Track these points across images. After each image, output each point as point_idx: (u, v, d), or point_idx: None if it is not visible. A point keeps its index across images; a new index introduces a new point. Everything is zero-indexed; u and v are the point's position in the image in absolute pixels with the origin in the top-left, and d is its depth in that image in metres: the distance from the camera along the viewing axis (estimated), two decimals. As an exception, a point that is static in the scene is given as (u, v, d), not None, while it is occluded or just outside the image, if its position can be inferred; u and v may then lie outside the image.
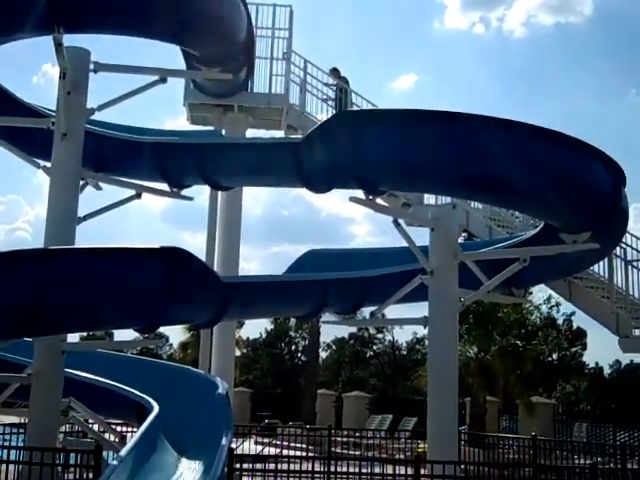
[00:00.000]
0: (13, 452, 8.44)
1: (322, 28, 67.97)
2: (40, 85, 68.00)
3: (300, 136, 13.76)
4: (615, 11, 68.88)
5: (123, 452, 6.10)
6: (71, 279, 6.88)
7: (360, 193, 9.19)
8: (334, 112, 15.57)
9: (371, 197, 9.31)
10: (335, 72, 16.84)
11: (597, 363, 49.13)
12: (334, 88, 16.48)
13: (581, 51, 71.54)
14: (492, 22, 73.45)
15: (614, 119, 67.66)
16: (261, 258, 67.04)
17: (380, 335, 51.24)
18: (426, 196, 16.35)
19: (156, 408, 7.81)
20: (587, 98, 69.57)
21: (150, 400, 8.22)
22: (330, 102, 16.39)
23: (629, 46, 68.06)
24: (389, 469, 10.86)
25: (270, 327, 52.55)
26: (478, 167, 8.18)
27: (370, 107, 15.96)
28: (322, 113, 16.36)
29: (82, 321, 7.43)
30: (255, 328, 57.01)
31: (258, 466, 10.44)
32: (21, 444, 10.26)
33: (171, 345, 53.80)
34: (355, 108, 15.87)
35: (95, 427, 10.27)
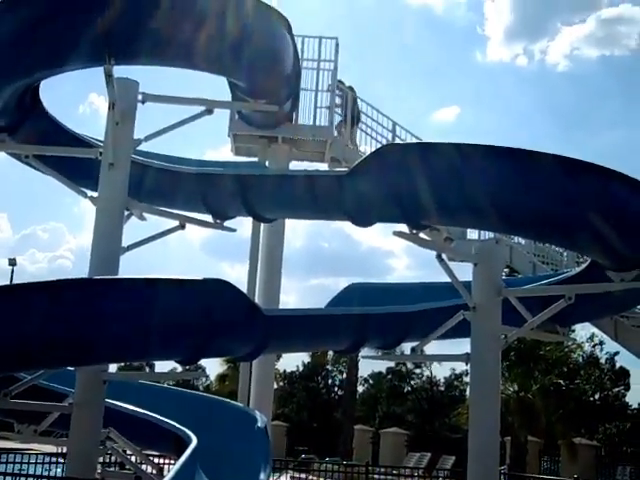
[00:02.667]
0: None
1: (366, 60, 68.61)
2: (85, 115, 69.49)
3: (345, 169, 13.82)
4: (661, 45, 68.45)
5: (162, 485, 6.04)
6: (118, 309, 6.88)
7: (404, 227, 9.13)
8: (343, 122, 15.59)
9: (415, 231, 9.22)
10: (340, 83, 16.83)
11: (640, 404, 48.00)
12: (342, 96, 16.45)
13: (626, 85, 71.06)
14: (535, 54, 73.53)
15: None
16: (300, 290, 67.20)
17: (418, 370, 50.82)
18: (469, 231, 16.26)
19: (194, 440, 7.74)
20: (632, 132, 68.93)
21: (188, 432, 8.16)
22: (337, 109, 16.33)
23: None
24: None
25: (307, 360, 52.37)
26: (526, 204, 8.04)
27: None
28: (366, 145, 16.44)
29: (126, 351, 7.42)
30: (292, 361, 56.94)
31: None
32: (59, 474, 10.29)
33: (208, 377, 53.94)
34: (399, 141, 15.88)
35: (133, 458, 10.23)
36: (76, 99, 67.92)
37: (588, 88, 72.03)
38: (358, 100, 16.73)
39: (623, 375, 44.65)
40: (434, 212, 9.06)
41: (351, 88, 16.75)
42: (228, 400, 10.78)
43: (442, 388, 51.31)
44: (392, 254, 74.84)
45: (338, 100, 16.37)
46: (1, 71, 8.28)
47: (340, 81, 16.78)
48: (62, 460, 13.31)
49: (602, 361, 43.22)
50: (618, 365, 43.99)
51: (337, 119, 16.44)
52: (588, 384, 34.62)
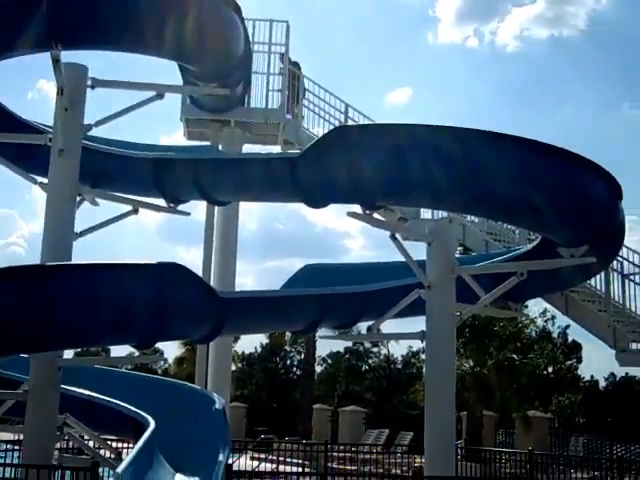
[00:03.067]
0: (8, 469, 8.40)
1: (318, 43, 68.38)
2: (35, 101, 68.12)
3: (297, 151, 13.82)
4: (608, 24, 69.43)
5: (120, 469, 6.05)
6: (69, 295, 6.86)
7: (357, 208, 9.20)
8: (285, 99, 15.61)
9: (368, 212, 9.31)
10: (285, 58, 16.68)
11: (592, 376, 49.17)
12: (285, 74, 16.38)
13: (575, 64, 72.01)
14: (485, 35, 73.95)
15: (608, 132, 68.08)
16: (256, 273, 67.04)
17: (375, 349, 51.19)
18: (422, 210, 16.38)
19: (152, 424, 7.76)
20: (581, 111, 69.99)
21: (146, 416, 8.17)
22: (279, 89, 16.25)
23: (622, 58, 68.58)
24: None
25: (265, 341, 52.44)
26: (478, 183, 8.18)
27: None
28: (319, 127, 16.43)
29: (80, 337, 7.39)
30: (250, 343, 56.99)
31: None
32: (16, 461, 10.22)
33: (166, 360, 53.66)
34: (352, 123, 15.91)
35: (91, 443, 10.20)
36: (24, 86, 66.49)
37: (538, 68, 72.84)
38: (302, 77, 16.56)
39: (575, 348, 45.58)
40: (387, 192, 9.15)
41: (296, 64, 16.56)
42: (185, 383, 10.80)
43: (399, 366, 51.80)
44: (348, 235, 75.09)
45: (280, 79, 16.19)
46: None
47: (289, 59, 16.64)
48: (18, 447, 13.21)
49: (555, 335, 44.12)
50: (570, 339, 44.99)
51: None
52: (542, 358, 35.19)
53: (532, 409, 28.13)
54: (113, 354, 10.01)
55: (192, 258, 59.80)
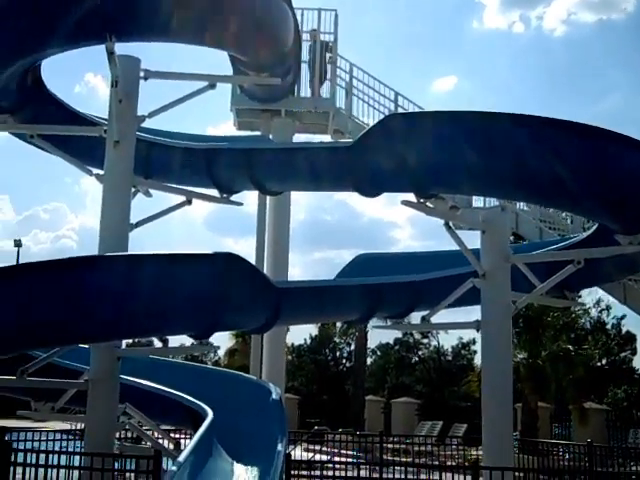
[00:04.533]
0: (73, 457, 8.53)
1: (364, 32, 68.08)
2: (82, 94, 69.17)
3: (348, 140, 13.74)
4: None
5: (181, 458, 6.09)
6: (129, 285, 6.91)
7: (411, 196, 9.11)
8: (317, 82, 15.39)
9: (422, 200, 9.21)
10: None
11: (647, 368, 48.15)
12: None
13: (623, 49, 70.40)
14: (532, 21, 72.82)
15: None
16: (304, 264, 67.16)
17: (425, 340, 50.96)
18: (474, 199, 16.21)
19: (210, 414, 7.80)
20: (628, 98, 68.41)
21: (204, 406, 8.21)
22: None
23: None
24: (442, 476, 10.72)
25: (315, 333, 52.54)
26: (538, 169, 8.00)
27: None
28: (369, 117, 16.35)
29: (138, 327, 7.46)
30: (300, 334, 57.10)
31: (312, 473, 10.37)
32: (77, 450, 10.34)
33: (216, 352, 54.14)
34: (402, 111, 15.78)
35: (150, 433, 10.31)
36: (72, 79, 67.48)
37: (586, 53, 71.48)
38: (330, 57, 16.32)
39: (630, 340, 44.75)
40: (442, 180, 9.04)
41: (327, 45, 16.32)
42: (241, 373, 10.84)
43: (450, 358, 51.48)
44: (395, 225, 74.78)
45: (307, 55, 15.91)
46: (1, 51, 8.24)
47: (314, 29, 16.37)
48: (78, 437, 13.43)
49: (609, 326, 43.36)
50: (625, 330, 44.18)
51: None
52: (596, 349, 34.66)
53: (588, 401, 27.67)
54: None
55: (241, 249, 60.21)
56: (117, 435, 11.00)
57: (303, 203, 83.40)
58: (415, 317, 12.07)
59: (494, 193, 12.10)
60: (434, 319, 10.87)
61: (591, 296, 31.15)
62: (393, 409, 31.21)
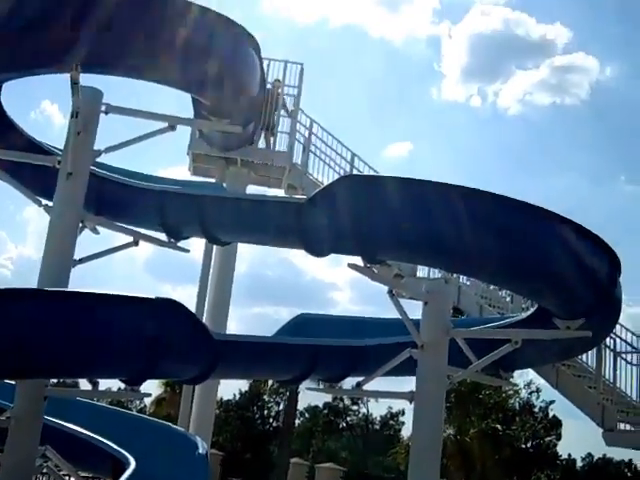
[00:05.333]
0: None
1: (321, 90, 69.20)
2: (37, 121, 68.47)
3: (301, 196, 13.77)
4: (610, 95, 70.62)
5: (98, 508, 5.83)
6: (62, 323, 6.67)
7: (358, 260, 9.10)
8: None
9: (369, 265, 9.20)
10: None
11: (570, 455, 48.64)
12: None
13: (575, 133, 73.01)
14: (489, 96, 75.15)
15: (603, 203, 68.77)
16: (241, 317, 66.74)
17: (355, 407, 50.74)
18: (419, 268, 16.32)
19: (133, 464, 7.54)
20: (578, 180, 70.71)
21: (127, 455, 7.95)
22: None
23: (621, 131, 69.69)
24: None
25: (245, 389, 51.88)
26: (487, 244, 8.08)
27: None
28: (324, 175, 16.43)
29: (69, 367, 7.18)
30: (229, 389, 56.32)
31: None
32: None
33: (142, 400, 52.87)
34: (357, 172, 15.92)
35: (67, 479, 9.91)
36: (28, 105, 66.82)
37: (538, 133, 73.87)
38: (284, 111, 16.40)
39: (556, 424, 45.18)
40: (391, 247, 9.05)
41: (283, 101, 16.31)
42: (169, 424, 10.55)
43: (377, 427, 51.23)
44: (336, 287, 75.07)
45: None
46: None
47: (277, 80, 16.48)
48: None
49: (536, 409, 43.76)
50: (552, 414, 44.64)
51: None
52: (522, 431, 34.85)
53: (511, 483, 27.73)
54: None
55: (178, 296, 59.50)
56: (33, 479, 10.53)
57: (246, 256, 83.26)
58: (348, 382, 12.02)
59: (441, 266, 12.21)
60: (367, 386, 10.79)
61: (522, 377, 31.46)
62: (317, 474, 30.72)
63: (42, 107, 76.73)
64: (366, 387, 10.69)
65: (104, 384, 10.48)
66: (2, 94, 8.79)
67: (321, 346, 10.33)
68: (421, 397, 9.86)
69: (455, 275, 15.90)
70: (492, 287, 17.62)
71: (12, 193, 9.31)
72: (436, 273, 16.07)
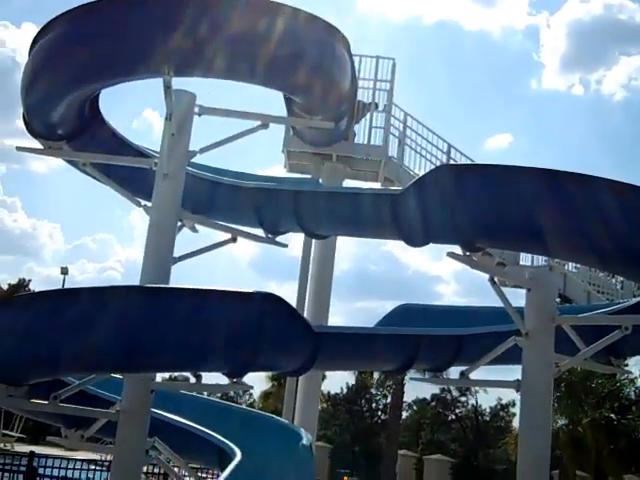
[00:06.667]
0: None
1: (421, 83, 68.63)
2: (139, 130, 70.77)
3: (398, 188, 13.72)
4: None
5: (206, 498, 5.98)
6: (167, 317, 6.88)
7: (457, 249, 8.98)
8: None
9: (468, 254, 9.07)
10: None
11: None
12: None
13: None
14: (591, 84, 72.65)
15: None
16: (346, 312, 67.10)
17: (463, 399, 50.20)
18: (522, 256, 16.00)
19: (238, 455, 7.69)
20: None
21: (233, 447, 8.11)
22: None
23: None
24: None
25: (352, 383, 52.11)
26: (592, 229, 7.81)
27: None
28: (420, 168, 16.35)
29: (174, 360, 7.39)
30: (336, 382, 56.69)
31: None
32: (103, 481, 10.28)
33: (251, 394, 54.00)
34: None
35: (177, 470, 10.21)
36: (131, 113, 69.17)
37: (647, 118, 70.85)
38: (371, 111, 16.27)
39: (676, 413, 43.42)
40: (490, 235, 8.90)
41: (369, 105, 16.12)
42: (273, 416, 10.72)
43: (487, 418, 50.49)
44: (440, 279, 74.47)
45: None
46: (63, 80, 8.44)
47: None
48: (106, 469, 13.37)
49: (655, 398, 42.14)
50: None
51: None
52: (640, 421, 33.64)
53: (629, 473, 26.77)
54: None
55: (284, 293, 60.24)
56: (145, 469, 10.93)
57: (349, 252, 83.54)
58: (454, 373, 11.88)
59: (547, 253, 11.92)
60: (473, 375, 10.64)
61: (638, 365, 30.36)
62: (426, 466, 30.59)
63: (144, 115, 79.31)
64: (472, 376, 10.55)
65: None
66: (103, 104, 9.11)
67: (422, 335, 10.26)
68: (527, 385, 9.67)
69: (560, 262, 15.50)
70: (601, 274, 17.12)
71: (118, 198, 9.62)
72: (540, 261, 15.71)
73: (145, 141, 10.63)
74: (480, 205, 8.34)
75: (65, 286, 41.12)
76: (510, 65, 76.66)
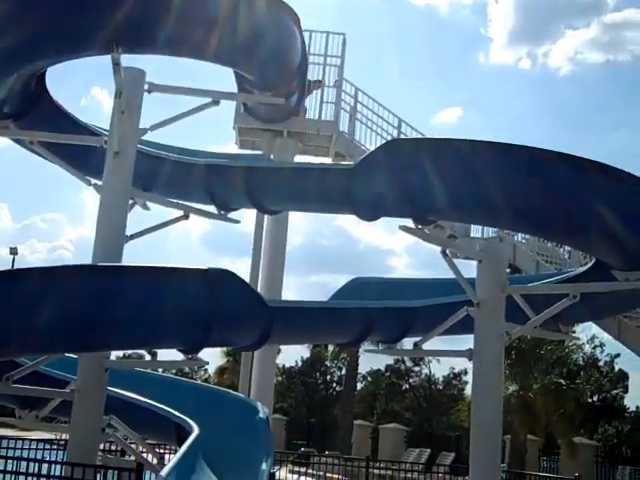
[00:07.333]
0: (53, 467, 8.45)
1: (370, 58, 68.56)
2: (88, 108, 69.43)
3: (349, 163, 13.78)
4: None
5: (163, 472, 6.03)
6: (120, 296, 6.87)
7: (409, 222, 9.09)
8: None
9: (420, 227, 9.18)
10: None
11: (638, 407, 48.03)
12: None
13: (630, 89, 70.99)
14: (538, 57, 73.35)
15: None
16: (299, 287, 67.17)
17: (417, 368, 50.86)
18: (472, 228, 16.22)
19: (196, 430, 7.73)
20: (634, 137, 68.82)
21: (190, 422, 8.15)
22: None
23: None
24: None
25: (306, 356, 52.39)
26: (544, 203, 7.97)
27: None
28: (371, 142, 16.40)
29: (128, 338, 7.40)
30: (291, 356, 56.93)
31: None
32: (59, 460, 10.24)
33: (206, 370, 53.97)
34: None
35: (134, 446, 10.22)
36: (78, 92, 67.77)
37: (591, 92, 72.00)
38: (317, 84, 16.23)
39: (622, 378, 44.64)
40: (442, 207, 9.01)
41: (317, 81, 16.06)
42: (230, 391, 10.78)
43: (440, 387, 51.30)
44: (392, 252, 74.86)
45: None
46: (4, 57, 8.24)
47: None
48: (62, 448, 13.31)
49: (601, 363, 43.25)
50: (617, 368, 44.06)
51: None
52: (588, 385, 34.57)
53: (577, 436, 27.52)
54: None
55: (237, 269, 59.98)
56: (101, 447, 10.91)
57: (301, 227, 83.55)
58: (407, 343, 12.05)
59: (496, 224, 12.10)
60: (426, 346, 10.82)
61: (585, 332, 31.16)
62: (381, 435, 31.01)
63: (92, 93, 77.81)
64: (426, 346, 10.72)
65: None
66: (50, 82, 8.95)
67: (376, 308, 10.38)
68: (479, 354, 9.87)
69: (510, 233, 15.77)
70: (549, 244, 17.45)
71: (68, 177, 9.49)
72: (490, 233, 15.96)
73: (95, 119, 10.44)
74: (430, 178, 8.44)
75: (15, 266, 40.46)
76: (458, 40, 77.15)
